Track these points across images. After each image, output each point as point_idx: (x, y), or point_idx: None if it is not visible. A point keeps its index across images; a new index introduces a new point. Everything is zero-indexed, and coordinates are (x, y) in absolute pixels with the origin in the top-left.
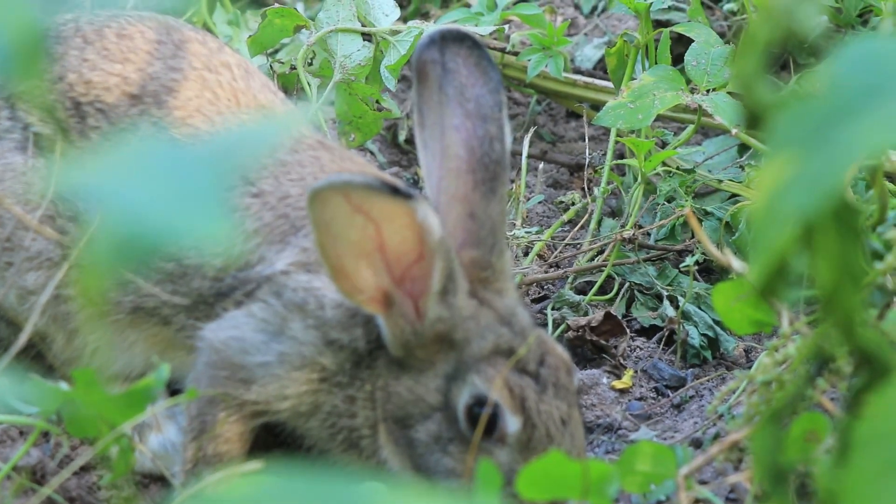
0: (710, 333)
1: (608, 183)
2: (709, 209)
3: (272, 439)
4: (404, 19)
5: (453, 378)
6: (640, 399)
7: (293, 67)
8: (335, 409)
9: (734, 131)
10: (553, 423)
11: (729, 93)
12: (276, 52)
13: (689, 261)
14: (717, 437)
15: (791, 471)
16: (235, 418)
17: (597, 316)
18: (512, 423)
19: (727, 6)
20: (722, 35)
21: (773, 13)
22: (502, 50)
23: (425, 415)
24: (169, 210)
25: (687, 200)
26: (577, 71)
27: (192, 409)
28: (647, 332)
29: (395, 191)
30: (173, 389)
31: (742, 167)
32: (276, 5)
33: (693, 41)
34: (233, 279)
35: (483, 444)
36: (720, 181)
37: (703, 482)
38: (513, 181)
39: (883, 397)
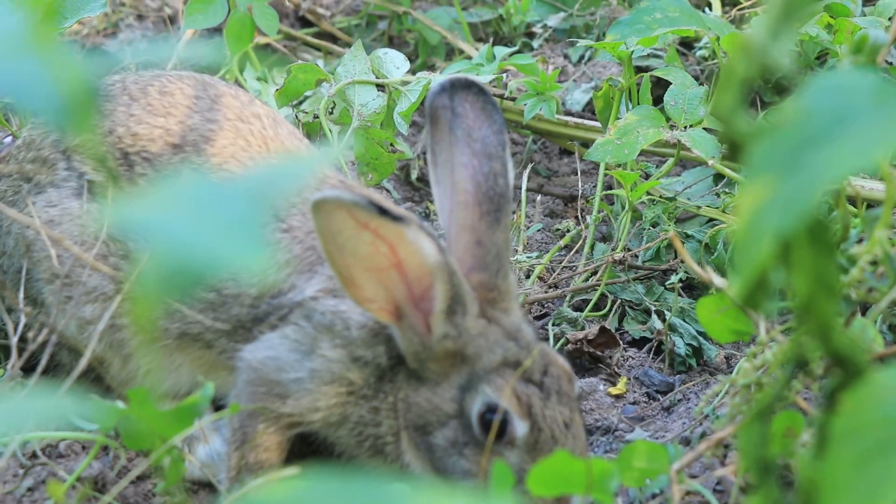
0: (695, 343)
1: (599, 211)
2: (689, 232)
3: (306, 448)
4: (413, 71)
5: (466, 389)
6: (633, 403)
7: (316, 116)
8: (362, 419)
9: (710, 162)
10: (557, 427)
11: (704, 128)
12: (301, 103)
13: (673, 279)
14: (703, 435)
15: (775, 463)
16: (273, 429)
17: (592, 330)
18: (520, 428)
19: (699, 52)
20: (696, 78)
21: (749, 52)
22: (501, 96)
23: (442, 422)
24: (210, 242)
25: (670, 225)
26: (568, 113)
27: (235, 422)
28: (638, 343)
29: (383, 212)
30: (217, 405)
31: (718, 194)
32: (300, 62)
33: (671, 84)
34: (267, 305)
35: (495, 447)
36: (699, 207)
37: (692, 476)
38: (514, 212)
39: (855, 395)
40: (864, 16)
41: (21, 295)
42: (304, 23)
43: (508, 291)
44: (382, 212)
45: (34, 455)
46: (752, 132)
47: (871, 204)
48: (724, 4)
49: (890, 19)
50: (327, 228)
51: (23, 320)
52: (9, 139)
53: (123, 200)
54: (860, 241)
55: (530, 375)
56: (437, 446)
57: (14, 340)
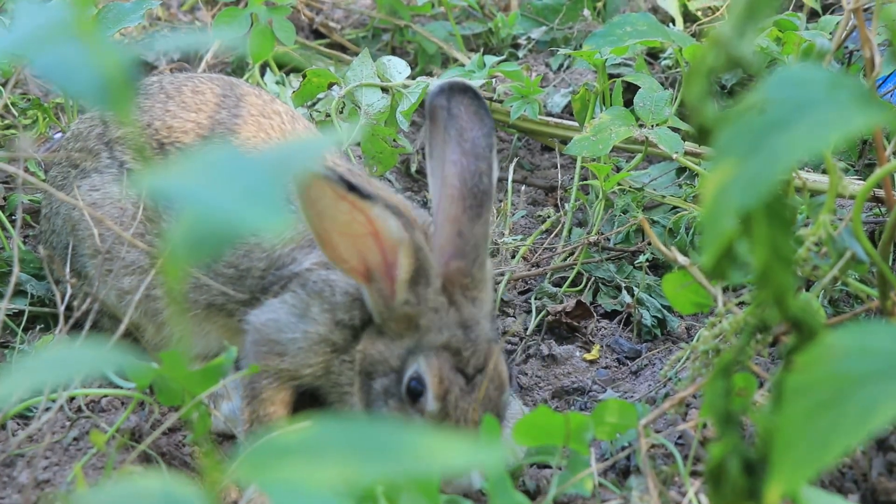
0: (659, 315)
1: (576, 200)
2: (655, 218)
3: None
4: (413, 76)
5: (411, 352)
6: (605, 367)
7: (328, 115)
8: (336, 370)
9: (675, 156)
10: (465, 420)
11: (669, 127)
12: (315, 104)
13: (641, 259)
14: (667, 395)
15: (736, 415)
16: (276, 385)
17: (570, 303)
18: (431, 404)
19: (664, 62)
20: (661, 84)
21: (717, 44)
22: (490, 99)
23: (384, 372)
24: (236, 207)
25: (638, 212)
26: (549, 114)
27: (245, 380)
28: (610, 315)
29: (352, 188)
30: (239, 367)
31: (680, 185)
32: (314, 68)
33: (640, 88)
34: (273, 276)
35: (410, 408)
36: (664, 196)
37: (657, 431)
38: (501, 201)
39: (807, 354)
40: (808, 30)
41: (67, 268)
42: (318, 35)
43: (482, 280)
44: (351, 188)
45: (79, 409)
46: (718, 118)
47: (814, 193)
48: (685, 21)
49: (831, 34)
50: (307, 195)
51: (69, 291)
52: (59, 135)
53: (156, 171)
54: (806, 225)
55: (464, 367)
56: (374, 391)
57: (61, 309)
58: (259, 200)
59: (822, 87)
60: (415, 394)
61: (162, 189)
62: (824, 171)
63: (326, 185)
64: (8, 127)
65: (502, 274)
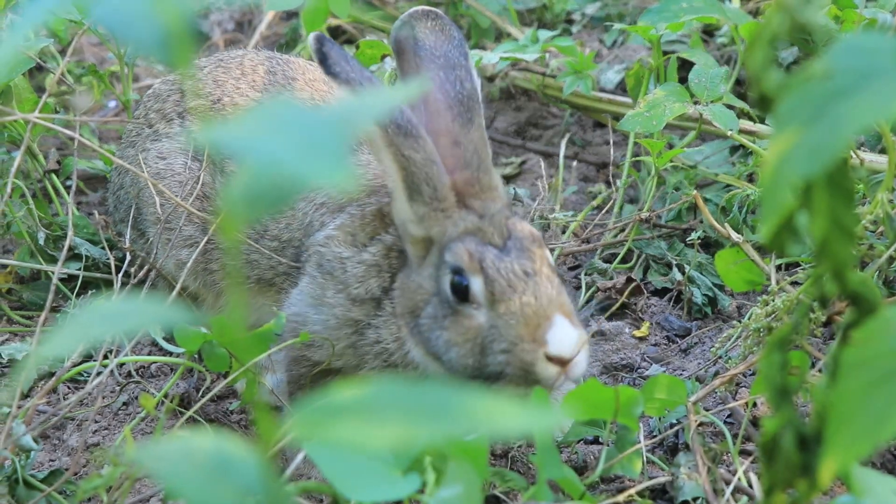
0: (710, 293)
1: (628, 176)
2: (708, 196)
3: None
4: None
5: (438, 266)
6: (654, 345)
7: None
8: (369, 341)
9: (729, 134)
10: (514, 276)
11: (724, 104)
12: None
13: (692, 236)
14: (717, 374)
15: (792, 388)
16: (307, 371)
17: (620, 280)
18: (475, 283)
19: (720, 39)
20: (717, 61)
21: (783, 9)
22: (543, 73)
23: (426, 300)
24: (298, 160)
25: (691, 189)
26: (602, 90)
27: (283, 366)
28: (660, 292)
29: (328, 72)
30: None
31: (734, 163)
32: (367, 39)
33: (695, 64)
34: (302, 244)
35: (465, 310)
36: (717, 174)
37: (706, 409)
38: (552, 177)
39: (865, 329)
40: (868, 8)
41: (129, 232)
42: (371, 7)
43: (490, 185)
44: (323, 61)
45: (129, 375)
46: (780, 86)
47: (872, 173)
48: None
49: (892, 12)
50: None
51: (127, 256)
52: (114, 103)
53: (215, 122)
54: (863, 204)
55: (490, 239)
56: (424, 325)
57: (117, 274)
58: (322, 153)
59: (889, 56)
60: (460, 289)
61: (223, 141)
62: (882, 151)
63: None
64: (63, 94)
65: (553, 249)
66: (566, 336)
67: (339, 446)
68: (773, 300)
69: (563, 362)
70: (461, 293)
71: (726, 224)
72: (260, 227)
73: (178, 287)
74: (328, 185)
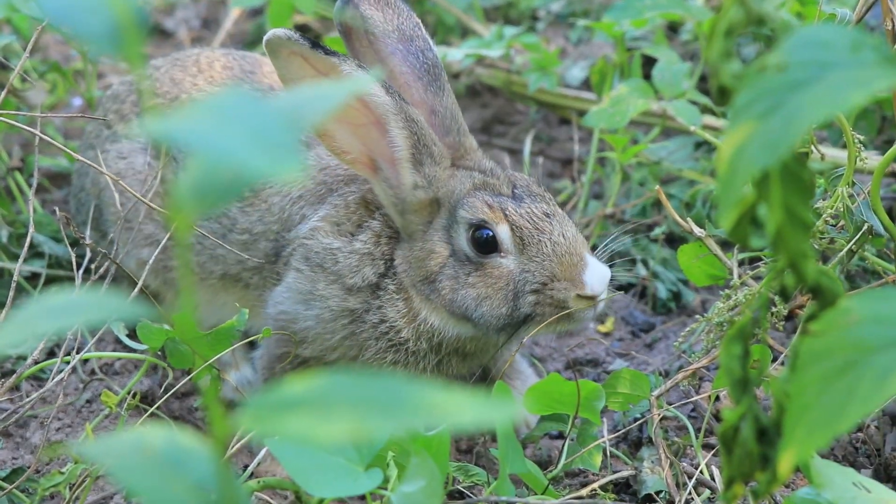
0: (674, 288)
1: (593, 172)
2: (672, 192)
3: None
4: None
5: (449, 227)
6: (619, 340)
7: None
8: (373, 325)
9: (692, 129)
10: (537, 219)
11: (688, 100)
12: None
13: (657, 231)
14: (680, 368)
15: (752, 380)
16: (296, 371)
17: None
18: (502, 231)
19: (684, 36)
20: (681, 57)
21: (739, 1)
22: (509, 70)
23: (441, 264)
24: (247, 152)
25: (655, 185)
26: (567, 87)
27: (262, 363)
28: (625, 287)
29: (315, 45)
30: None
31: (697, 159)
32: (332, 36)
33: (658, 60)
34: (282, 239)
35: (491, 261)
36: (680, 170)
37: (670, 403)
38: (518, 172)
39: (823, 321)
40: (829, 4)
41: (88, 230)
42: None
43: (472, 146)
44: (315, 46)
45: (93, 372)
46: (738, 78)
47: (833, 168)
48: None
49: (852, 9)
50: (289, 75)
51: (88, 253)
52: (78, 100)
53: (167, 115)
54: (824, 198)
55: (499, 190)
56: (445, 288)
57: (78, 270)
58: (271, 145)
59: (845, 48)
60: (484, 241)
61: (173, 133)
62: (843, 146)
63: (304, 58)
64: (17, 91)
65: None
66: (599, 274)
67: (291, 440)
68: (735, 294)
69: (592, 298)
70: (485, 245)
71: (689, 219)
72: (227, 220)
73: (139, 284)
74: (278, 176)
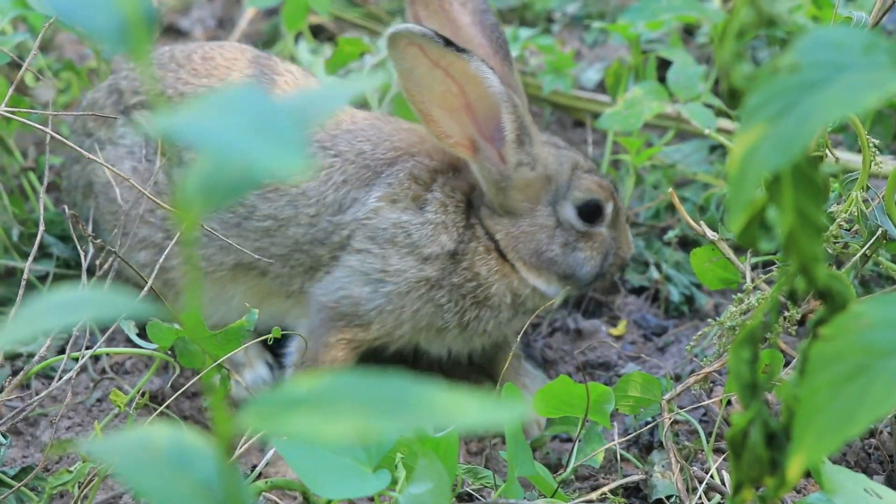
0: (687, 292)
1: (606, 175)
2: (686, 195)
3: None
4: None
5: (555, 202)
6: (631, 343)
7: None
8: (454, 287)
9: (707, 132)
10: (616, 193)
11: (703, 103)
12: (348, 72)
13: (670, 234)
14: (692, 372)
15: (762, 385)
16: (345, 353)
17: None
18: (608, 207)
19: (699, 39)
20: (696, 60)
21: (749, 2)
22: (523, 72)
23: (550, 236)
24: (253, 149)
25: (668, 188)
26: (581, 89)
27: (308, 356)
28: (638, 290)
29: (448, 43)
30: (260, 332)
31: (712, 163)
32: (347, 36)
33: (673, 63)
34: (328, 223)
35: (592, 229)
36: (695, 173)
37: (681, 407)
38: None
39: (834, 325)
40: (846, 7)
41: (90, 227)
42: (353, 5)
43: (532, 122)
44: (448, 43)
45: (104, 371)
46: (749, 80)
47: (847, 172)
48: None
49: (869, 13)
50: (403, 64)
51: (91, 251)
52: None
53: (171, 111)
54: (838, 202)
55: (590, 167)
56: (557, 255)
57: (85, 267)
58: (279, 142)
59: (858, 50)
60: (591, 214)
61: (175, 130)
62: (859, 151)
63: (420, 51)
64: (25, 89)
65: None
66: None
67: (296, 439)
68: (748, 298)
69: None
70: (592, 217)
71: (702, 223)
72: (244, 209)
73: (149, 283)
74: (284, 176)
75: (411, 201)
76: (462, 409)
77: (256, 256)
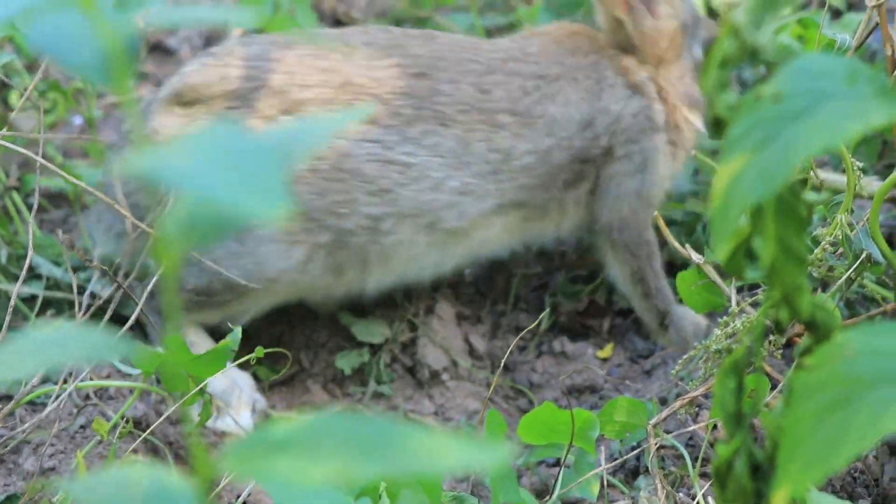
0: None
1: None
2: (675, 217)
3: None
4: None
5: (690, 45)
6: (618, 366)
7: None
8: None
9: (692, 154)
10: None
11: None
12: None
13: None
14: (678, 395)
15: (747, 413)
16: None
17: (584, 301)
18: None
19: None
20: None
21: (734, 32)
22: None
23: (693, 77)
24: (233, 191)
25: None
26: None
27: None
28: (625, 313)
29: None
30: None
31: (697, 184)
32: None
33: None
34: (597, 137)
35: None
36: (682, 196)
37: (667, 431)
38: None
39: (818, 354)
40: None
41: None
42: (340, 24)
43: None
44: None
45: (87, 397)
46: (733, 109)
47: (833, 193)
48: (709, 16)
49: (854, 31)
50: None
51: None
52: (79, 119)
53: (147, 149)
54: (823, 225)
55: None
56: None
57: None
58: (257, 183)
59: (841, 79)
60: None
61: (152, 170)
62: (843, 171)
63: None
64: (26, 110)
65: (513, 274)
66: None
67: (276, 482)
68: (733, 322)
69: None
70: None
71: (688, 245)
72: (499, 154)
73: (133, 317)
74: (262, 219)
75: (630, 87)
76: (444, 451)
77: None
